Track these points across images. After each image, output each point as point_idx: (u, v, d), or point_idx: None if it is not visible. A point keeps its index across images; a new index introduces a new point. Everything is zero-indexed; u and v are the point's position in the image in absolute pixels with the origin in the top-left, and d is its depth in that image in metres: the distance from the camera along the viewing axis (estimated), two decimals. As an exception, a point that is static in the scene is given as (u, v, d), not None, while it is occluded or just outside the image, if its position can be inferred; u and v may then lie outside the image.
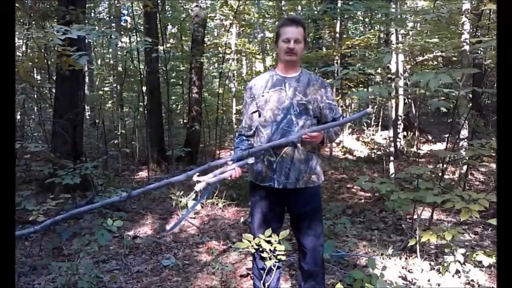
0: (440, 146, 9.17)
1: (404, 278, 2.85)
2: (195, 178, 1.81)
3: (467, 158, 3.47)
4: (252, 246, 2.10)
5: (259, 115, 2.20)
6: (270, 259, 2.10)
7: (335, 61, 8.80)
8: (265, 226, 2.19)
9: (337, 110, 2.25)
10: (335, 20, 8.99)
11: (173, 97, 10.38)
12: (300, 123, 2.12)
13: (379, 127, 10.74)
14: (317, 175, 2.21)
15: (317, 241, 2.22)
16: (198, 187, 1.81)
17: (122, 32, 10.47)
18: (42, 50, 4.47)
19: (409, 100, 9.14)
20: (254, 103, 2.20)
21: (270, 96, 2.16)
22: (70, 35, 2.89)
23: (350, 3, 7.47)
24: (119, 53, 10.66)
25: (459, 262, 2.77)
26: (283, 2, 11.03)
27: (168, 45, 8.97)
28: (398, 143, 8.19)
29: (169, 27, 11.35)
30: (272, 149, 2.09)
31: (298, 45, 2.11)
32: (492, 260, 2.68)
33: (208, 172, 1.93)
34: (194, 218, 4.48)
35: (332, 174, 6.81)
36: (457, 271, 2.78)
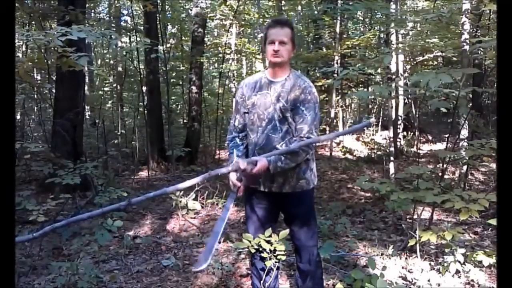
0: (440, 146, 9.17)
1: (404, 278, 2.85)
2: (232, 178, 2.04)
3: (467, 158, 3.47)
4: (252, 246, 2.10)
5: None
6: (270, 259, 2.10)
7: (335, 61, 8.81)
8: (260, 226, 2.19)
9: (309, 125, 2.03)
10: (335, 20, 9.00)
11: (173, 97, 10.38)
12: (283, 129, 2.07)
13: (379, 127, 10.74)
14: (306, 180, 2.15)
15: (309, 241, 2.21)
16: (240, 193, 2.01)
17: (122, 32, 10.47)
18: (42, 51, 4.47)
19: (409, 100, 9.14)
20: (245, 103, 2.18)
21: (258, 99, 2.12)
22: (70, 37, 2.89)
23: (350, 3, 7.47)
24: (118, 53, 10.66)
25: (459, 262, 2.77)
26: (283, 2, 11.03)
27: (168, 45, 8.97)
28: (398, 143, 8.19)
29: (169, 27, 11.33)
30: (258, 153, 2.08)
31: (283, 46, 2.03)
32: (492, 260, 2.68)
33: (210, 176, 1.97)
34: (194, 218, 4.48)
35: (332, 174, 6.81)
36: (457, 271, 2.79)
